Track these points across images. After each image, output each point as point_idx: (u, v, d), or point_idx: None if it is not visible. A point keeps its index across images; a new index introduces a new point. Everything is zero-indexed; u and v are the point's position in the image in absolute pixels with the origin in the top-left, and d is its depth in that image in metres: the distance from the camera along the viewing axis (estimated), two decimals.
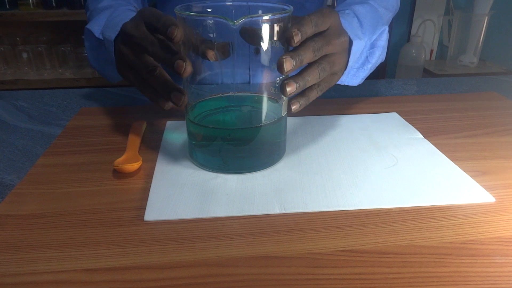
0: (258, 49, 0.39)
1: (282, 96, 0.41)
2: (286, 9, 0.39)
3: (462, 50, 1.84)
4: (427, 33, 1.98)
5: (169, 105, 0.43)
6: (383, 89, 0.72)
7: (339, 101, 0.64)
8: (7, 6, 1.77)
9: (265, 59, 0.39)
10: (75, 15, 1.73)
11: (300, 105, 0.41)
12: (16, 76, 1.83)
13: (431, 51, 2.03)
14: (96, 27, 0.55)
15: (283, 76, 0.40)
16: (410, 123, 0.55)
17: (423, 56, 1.86)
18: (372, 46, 0.52)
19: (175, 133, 0.51)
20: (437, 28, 1.98)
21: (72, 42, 1.86)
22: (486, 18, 1.73)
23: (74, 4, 1.74)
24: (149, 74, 0.41)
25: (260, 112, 0.43)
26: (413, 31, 1.94)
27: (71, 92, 0.69)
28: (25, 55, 1.82)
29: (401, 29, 2.02)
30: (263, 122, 0.42)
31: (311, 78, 0.40)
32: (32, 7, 1.76)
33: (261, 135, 0.42)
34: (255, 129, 0.42)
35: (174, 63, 0.37)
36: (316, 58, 0.40)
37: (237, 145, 0.42)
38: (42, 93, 0.68)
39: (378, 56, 0.52)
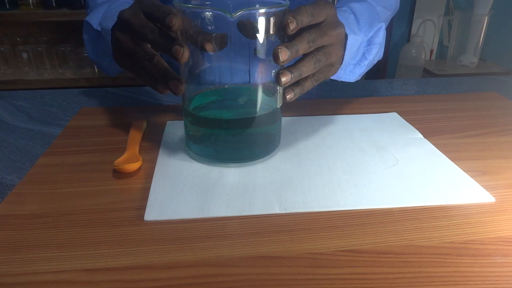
0: (258, 50, 0.39)
1: (277, 88, 0.41)
2: (283, 3, 0.39)
3: (462, 50, 1.84)
4: (427, 33, 1.98)
5: (167, 90, 0.43)
6: (383, 89, 0.72)
7: (339, 101, 0.64)
8: (7, 6, 1.77)
9: (262, 52, 0.40)
10: (75, 15, 1.72)
11: (295, 94, 0.41)
12: (16, 76, 1.83)
13: (431, 51, 2.03)
14: (94, 19, 0.55)
15: (279, 67, 0.40)
16: (410, 123, 0.55)
17: (423, 56, 1.86)
18: (369, 43, 0.52)
19: (175, 132, 0.51)
20: (437, 28, 1.98)
21: (72, 42, 1.86)
22: (486, 18, 1.73)
23: (74, 4, 1.74)
24: (148, 62, 0.41)
25: (255, 104, 0.44)
26: (413, 31, 1.94)
27: (71, 92, 0.69)
28: (25, 55, 1.81)
29: (401, 29, 2.02)
30: (257, 113, 0.42)
31: (306, 68, 0.40)
32: (32, 7, 1.75)
33: (256, 125, 0.43)
34: (250, 119, 0.42)
35: (172, 49, 0.38)
36: (311, 49, 0.40)
37: (233, 135, 0.43)
38: (42, 93, 0.68)
39: (375, 53, 0.53)
